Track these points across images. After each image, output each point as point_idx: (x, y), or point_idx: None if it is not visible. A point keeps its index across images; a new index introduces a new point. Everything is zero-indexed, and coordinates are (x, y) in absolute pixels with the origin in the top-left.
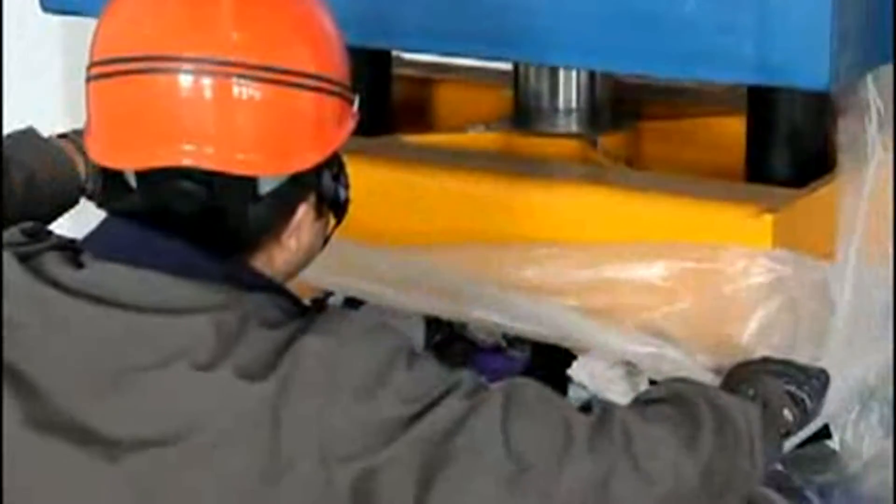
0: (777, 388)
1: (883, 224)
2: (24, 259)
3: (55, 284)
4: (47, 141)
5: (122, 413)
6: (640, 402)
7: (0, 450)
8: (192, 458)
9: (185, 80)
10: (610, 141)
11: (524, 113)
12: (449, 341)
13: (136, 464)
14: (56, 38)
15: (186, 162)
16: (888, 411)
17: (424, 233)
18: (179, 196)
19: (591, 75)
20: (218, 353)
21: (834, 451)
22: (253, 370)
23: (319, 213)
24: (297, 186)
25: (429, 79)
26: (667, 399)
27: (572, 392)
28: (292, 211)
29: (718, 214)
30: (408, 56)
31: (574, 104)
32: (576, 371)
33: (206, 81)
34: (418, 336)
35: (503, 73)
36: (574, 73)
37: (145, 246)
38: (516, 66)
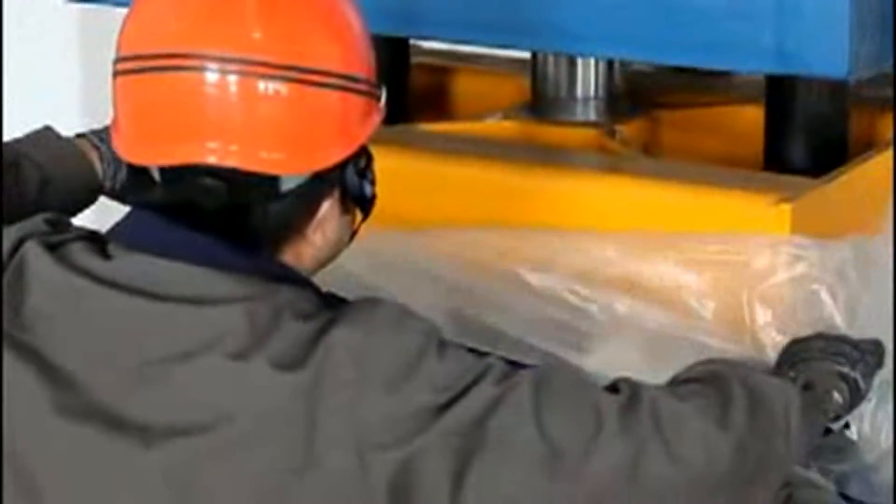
0: (825, 369)
1: None
2: (51, 248)
3: (86, 274)
4: (64, 140)
5: (154, 402)
6: (673, 382)
7: (30, 438)
8: (224, 448)
9: (211, 78)
10: (627, 129)
11: (542, 101)
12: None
13: (169, 452)
14: (73, 34)
15: (210, 160)
16: None
17: (442, 221)
18: (202, 193)
19: (609, 64)
20: (251, 343)
21: (852, 441)
22: (287, 361)
23: (345, 208)
24: (321, 183)
25: (447, 67)
26: (699, 379)
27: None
28: (316, 207)
29: (736, 203)
30: (426, 44)
31: (592, 93)
32: (595, 367)
33: (232, 79)
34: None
35: (521, 61)
36: (592, 62)
37: (173, 238)
38: (534, 55)
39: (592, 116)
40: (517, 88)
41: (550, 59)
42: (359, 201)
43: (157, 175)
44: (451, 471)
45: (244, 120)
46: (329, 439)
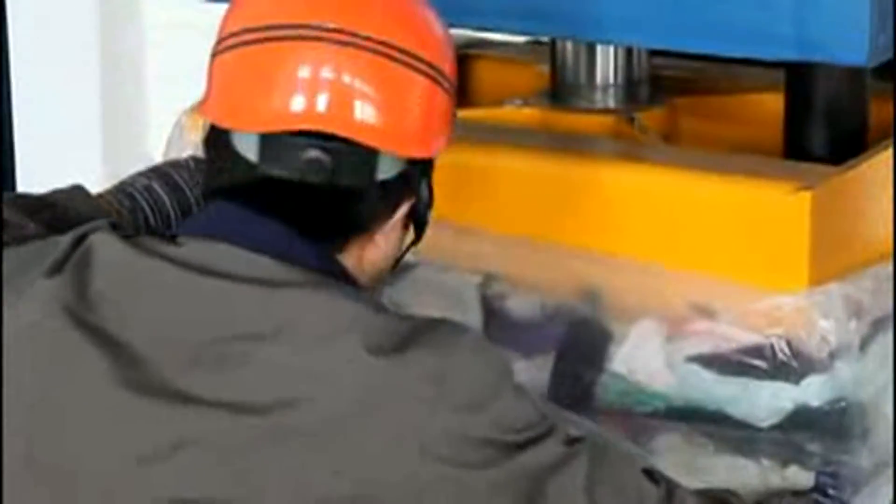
0: None
1: None
2: (121, 237)
3: (156, 255)
4: (96, 199)
5: (220, 381)
6: (699, 493)
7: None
8: (285, 431)
9: (327, 50)
10: (647, 117)
11: (561, 88)
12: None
13: (231, 430)
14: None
15: (319, 125)
16: None
17: (460, 208)
18: (309, 164)
19: (629, 51)
20: (332, 328)
21: None
22: (372, 347)
23: (406, 224)
24: (405, 182)
25: (466, 54)
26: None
27: (607, 378)
28: (396, 207)
29: (756, 191)
30: None
31: (611, 80)
32: (617, 364)
33: (346, 51)
34: (472, 297)
35: (541, 48)
36: (611, 49)
37: (244, 229)
38: (553, 42)
39: (611, 104)
40: (536, 75)
41: (569, 45)
42: (420, 220)
43: (251, 153)
44: None
45: (353, 92)
46: (391, 438)
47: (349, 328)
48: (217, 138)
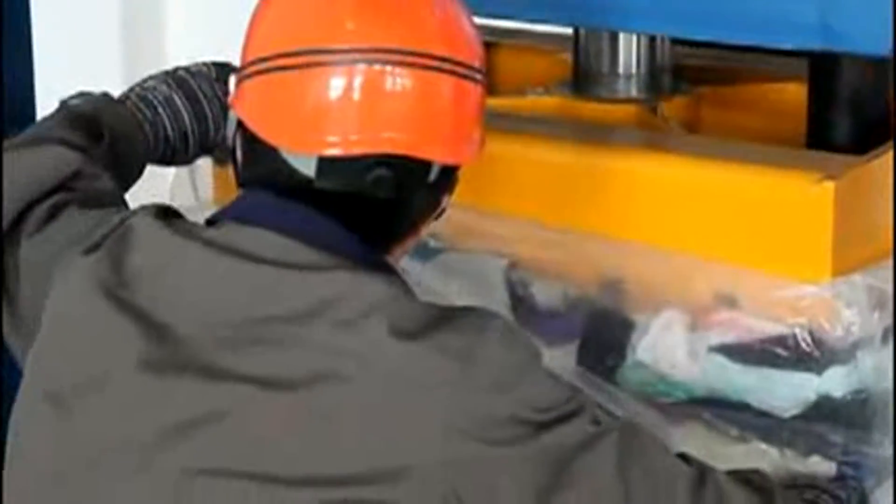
0: None
1: None
2: (161, 217)
3: (193, 237)
4: (123, 109)
5: (254, 359)
6: (732, 473)
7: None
8: (317, 407)
9: (382, 71)
10: (669, 106)
11: (584, 78)
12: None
13: (261, 408)
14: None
15: (386, 149)
16: None
17: (481, 196)
18: (374, 183)
19: (652, 40)
20: (365, 310)
21: None
22: (402, 332)
23: (437, 217)
24: (449, 178)
25: (488, 43)
26: (754, 483)
27: (630, 367)
28: (440, 201)
29: (779, 181)
30: None
31: (634, 69)
32: (640, 354)
33: (402, 71)
34: (499, 281)
35: (563, 37)
36: (634, 38)
37: (289, 217)
38: (576, 31)
39: (634, 93)
40: (559, 64)
41: (592, 34)
42: (440, 215)
43: (309, 171)
44: (541, 486)
45: (415, 110)
46: (417, 418)
47: (377, 312)
48: (260, 142)
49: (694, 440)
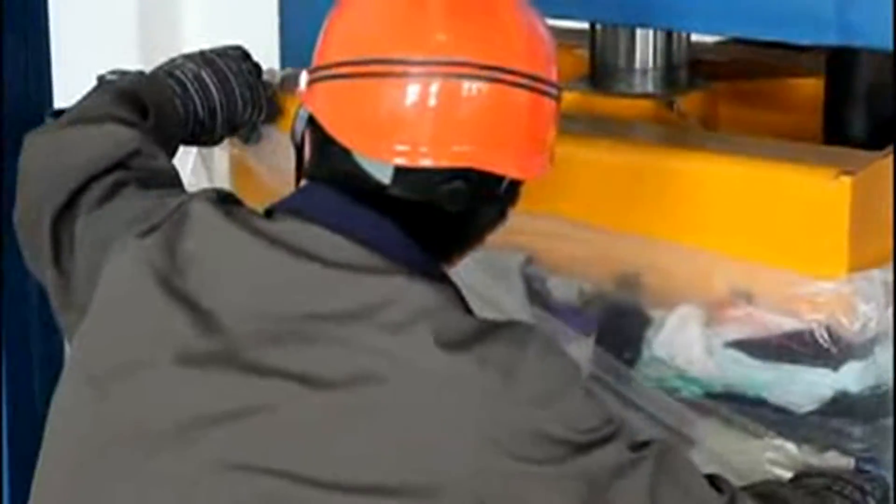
0: None
1: None
2: (219, 203)
3: (247, 227)
4: (158, 86)
5: (297, 356)
6: (760, 494)
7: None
8: (356, 408)
9: (459, 85)
10: (686, 102)
11: (601, 73)
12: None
13: (302, 404)
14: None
15: (455, 162)
16: None
17: None
18: (449, 196)
19: (668, 36)
20: (413, 317)
21: None
22: (447, 342)
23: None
24: (515, 191)
25: None
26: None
27: (646, 362)
28: (505, 213)
29: (796, 176)
30: None
31: (650, 64)
32: (657, 349)
33: (483, 86)
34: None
35: (580, 32)
36: (651, 34)
37: (355, 220)
38: (593, 26)
39: (651, 88)
40: (575, 60)
41: (609, 30)
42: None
43: (384, 178)
44: None
45: (489, 125)
46: (453, 428)
47: (424, 319)
48: (333, 142)
49: (711, 436)
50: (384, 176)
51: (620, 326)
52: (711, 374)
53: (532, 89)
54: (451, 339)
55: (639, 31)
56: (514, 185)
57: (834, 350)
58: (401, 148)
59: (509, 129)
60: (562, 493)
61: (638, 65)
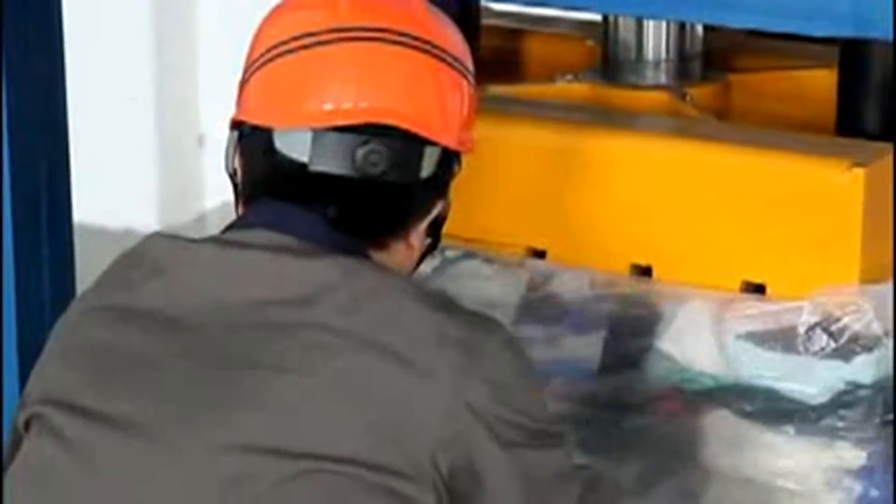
0: None
1: None
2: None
3: (200, 241)
4: None
5: (265, 343)
6: None
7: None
8: (328, 388)
9: (377, 48)
10: (699, 93)
11: (612, 64)
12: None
13: (275, 391)
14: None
15: (378, 118)
16: None
17: (511, 182)
18: (366, 158)
19: (681, 27)
20: (363, 296)
21: None
22: (407, 320)
23: (430, 230)
24: (440, 183)
25: (517, 30)
26: None
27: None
28: (431, 206)
29: (808, 168)
30: (497, 7)
31: (663, 56)
32: (666, 345)
33: (396, 49)
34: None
35: (592, 24)
36: (663, 25)
37: (281, 221)
38: (605, 18)
39: (663, 80)
40: (588, 51)
41: (621, 21)
42: (440, 225)
43: (302, 154)
44: (519, 496)
45: (401, 85)
46: (422, 400)
47: (376, 298)
48: (257, 142)
49: (721, 428)
50: (303, 153)
51: (631, 319)
52: (722, 367)
53: (447, 64)
54: (411, 318)
55: (651, 23)
56: (439, 175)
57: (845, 342)
58: (327, 107)
59: (426, 93)
60: (510, 479)
61: (650, 56)
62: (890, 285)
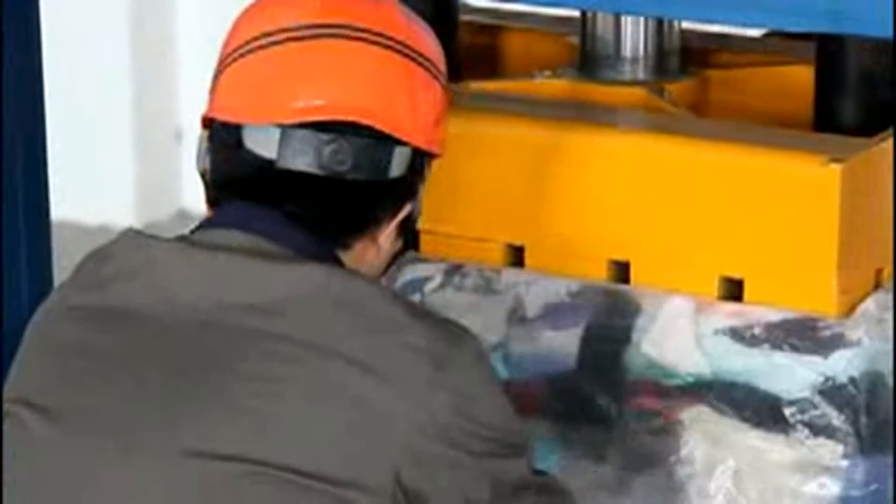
0: None
1: None
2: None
3: (165, 241)
4: None
5: (233, 347)
6: None
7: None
8: (292, 398)
9: (344, 45)
10: (676, 89)
11: (590, 60)
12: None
13: (247, 394)
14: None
15: (346, 115)
16: None
17: (491, 179)
18: (331, 156)
19: (659, 23)
20: (337, 300)
21: None
22: (376, 328)
23: (399, 233)
24: (410, 184)
25: (495, 26)
26: None
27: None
28: (400, 207)
29: (785, 163)
30: (474, 2)
31: (641, 52)
32: (645, 341)
33: (363, 47)
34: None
35: (570, 20)
36: (641, 21)
37: (247, 221)
38: (583, 14)
39: (641, 75)
40: (566, 47)
41: (599, 17)
42: (412, 226)
43: (270, 151)
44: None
45: (371, 83)
46: (385, 414)
47: (347, 306)
48: (226, 139)
49: (700, 424)
50: (271, 150)
51: (610, 315)
52: (701, 362)
53: (418, 64)
54: (379, 325)
55: (629, 19)
56: (413, 169)
57: (823, 337)
58: (280, 107)
59: (393, 90)
60: (478, 489)
61: (628, 52)
62: (863, 258)
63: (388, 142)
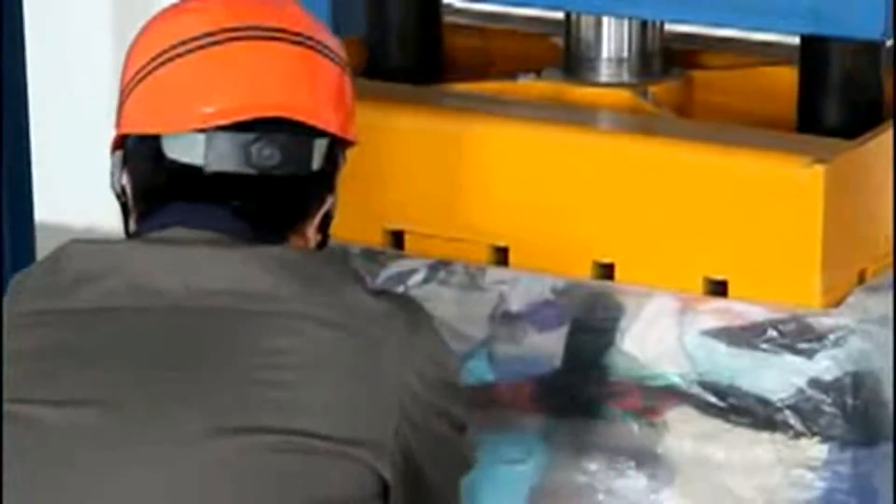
0: None
1: None
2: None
3: (118, 241)
4: None
5: (203, 332)
6: None
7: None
8: (292, 366)
9: (248, 45)
10: (660, 90)
11: (575, 62)
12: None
13: (221, 375)
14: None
15: (265, 112)
16: None
17: (475, 180)
18: (258, 154)
19: (643, 24)
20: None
21: None
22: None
23: (321, 225)
24: (329, 176)
25: (479, 27)
26: None
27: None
28: (323, 199)
29: (769, 165)
30: (458, 4)
31: (625, 53)
32: (628, 341)
33: (278, 46)
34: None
35: (554, 22)
36: (625, 23)
37: (191, 218)
38: (567, 15)
39: (625, 77)
40: (550, 49)
41: (583, 19)
42: (329, 221)
43: (195, 157)
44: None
45: (287, 78)
46: (372, 373)
47: (333, 274)
48: (146, 153)
49: (685, 422)
50: (197, 156)
51: (594, 315)
52: (686, 363)
53: (319, 52)
54: (353, 299)
55: (613, 20)
56: (330, 160)
57: (808, 338)
58: (198, 112)
59: (297, 82)
60: (422, 450)
61: (612, 54)
62: (846, 259)
63: (307, 134)
